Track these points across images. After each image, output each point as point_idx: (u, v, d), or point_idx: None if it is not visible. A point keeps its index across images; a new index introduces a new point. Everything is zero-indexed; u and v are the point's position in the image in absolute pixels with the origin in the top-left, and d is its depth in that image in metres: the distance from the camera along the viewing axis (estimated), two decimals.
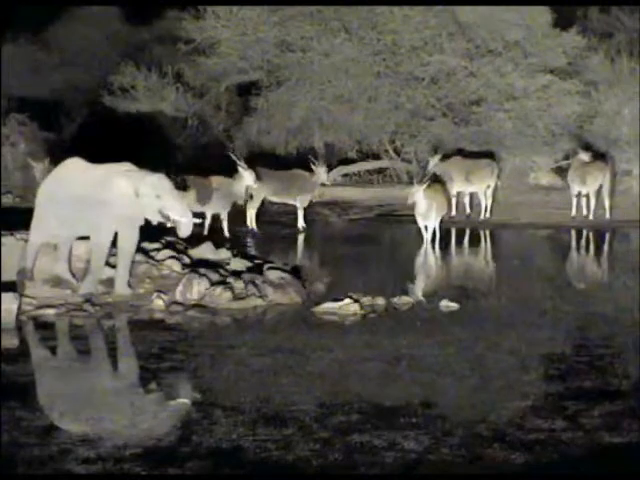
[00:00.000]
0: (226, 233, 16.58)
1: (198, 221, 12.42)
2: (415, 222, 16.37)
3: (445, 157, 19.56)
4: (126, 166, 11.73)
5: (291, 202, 18.23)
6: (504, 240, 18.08)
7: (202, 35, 22.72)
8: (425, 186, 15.98)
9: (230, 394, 8.32)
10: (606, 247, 17.70)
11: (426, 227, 16.23)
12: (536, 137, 21.15)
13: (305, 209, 18.25)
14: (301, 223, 18.06)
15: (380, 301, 11.66)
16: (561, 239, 18.03)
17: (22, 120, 23.04)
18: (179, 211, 11.66)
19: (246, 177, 17.04)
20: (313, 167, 18.26)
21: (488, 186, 19.11)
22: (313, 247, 17.30)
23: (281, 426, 7.36)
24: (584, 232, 18.14)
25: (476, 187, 19.12)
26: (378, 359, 9.36)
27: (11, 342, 10.08)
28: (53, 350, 10.05)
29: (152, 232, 12.47)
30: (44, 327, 10.72)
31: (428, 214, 16.09)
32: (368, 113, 21.89)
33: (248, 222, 17.81)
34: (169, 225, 11.76)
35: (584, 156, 19.34)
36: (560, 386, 8.48)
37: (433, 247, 16.07)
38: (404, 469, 6.60)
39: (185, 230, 11.72)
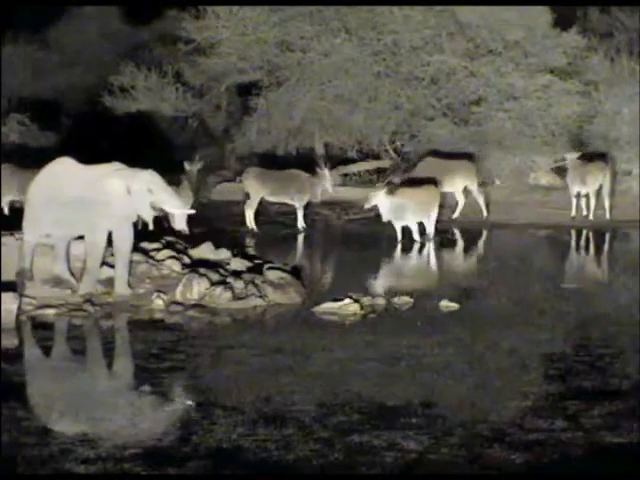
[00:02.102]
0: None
1: (192, 212, 12.45)
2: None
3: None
4: (116, 165, 11.76)
5: (288, 202, 18.21)
6: (504, 240, 18.08)
7: (202, 35, 22.71)
8: (386, 190, 16.15)
9: (230, 394, 8.32)
10: (606, 247, 17.69)
11: (424, 227, 16.37)
12: (536, 137, 21.16)
13: (304, 209, 18.23)
14: (301, 223, 18.04)
15: (380, 301, 11.67)
16: (561, 239, 18.02)
17: (22, 120, 23.04)
18: (172, 203, 11.70)
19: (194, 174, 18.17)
20: (318, 171, 18.28)
21: (465, 187, 18.98)
22: (313, 247, 17.31)
23: (281, 426, 7.36)
24: (584, 232, 18.14)
25: (452, 188, 18.92)
26: (378, 359, 9.36)
27: (11, 342, 10.08)
28: (53, 350, 10.05)
29: (152, 232, 12.48)
30: (44, 327, 10.71)
31: (399, 215, 16.19)
32: (368, 113, 21.89)
33: (247, 222, 17.81)
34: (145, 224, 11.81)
35: (573, 157, 19.26)
36: (560, 386, 8.48)
37: (413, 247, 16.08)
38: (404, 469, 6.61)
39: (180, 222, 11.75)
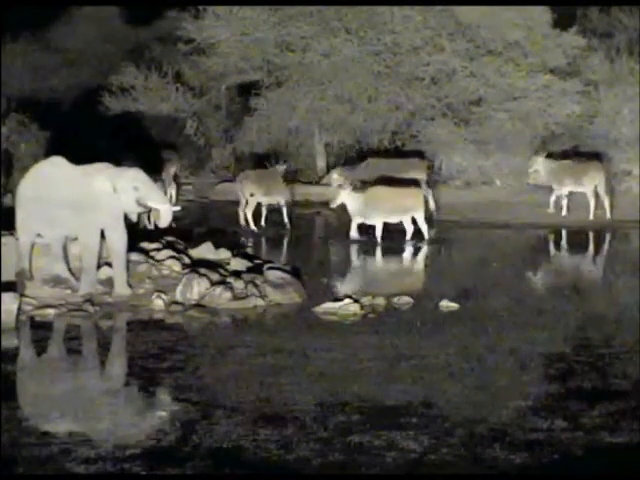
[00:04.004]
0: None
1: (177, 209, 12.51)
2: (413, 222, 16.47)
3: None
4: (104, 165, 11.81)
5: (278, 200, 18.21)
6: (504, 240, 18.07)
7: (202, 35, 22.73)
8: (349, 190, 16.22)
9: (230, 394, 8.32)
10: (606, 247, 17.69)
11: (410, 224, 16.39)
12: (536, 137, 21.18)
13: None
14: (286, 220, 18.14)
15: (380, 301, 11.66)
16: (561, 239, 18.02)
17: (22, 120, 23.04)
18: (157, 199, 11.74)
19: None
20: (276, 167, 18.74)
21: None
22: (313, 247, 17.30)
23: (281, 426, 7.36)
24: (584, 232, 18.14)
25: None
26: (378, 359, 9.36)
27: (11, 342, 10.08)
28: (53, 350, 10.05)
29: (152, 232, 12.48)
30: (44, 327, 10.71)
31: (366, 213, 16.18)
32: (368, 113, 21.91)
33: (241, 221, 17.79)
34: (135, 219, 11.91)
35: (540, 159, 19.23)
36: (560, 386, 8.48)
37: (376, 244, 16.10)
38: (404, 469, 6.61)
39: (165, 218, 11.78)
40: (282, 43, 22.36)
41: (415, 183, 17.34)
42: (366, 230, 16.33)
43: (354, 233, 16.32)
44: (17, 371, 9.20)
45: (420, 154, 20.34)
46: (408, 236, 16.40)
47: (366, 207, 16.16)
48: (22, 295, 11.19)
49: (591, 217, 18.91)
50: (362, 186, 16.92)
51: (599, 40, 23.32)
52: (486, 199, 20.30)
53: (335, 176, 19.13)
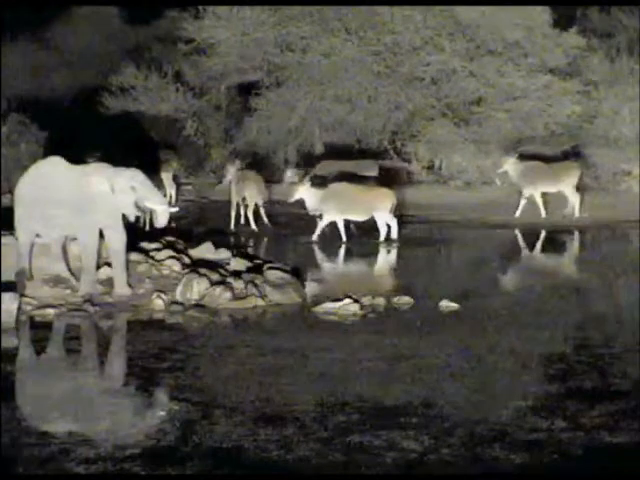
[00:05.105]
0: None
1: (175, 210, 12.54)
2: (413, 222, 16.45)
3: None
4: (102, 165, 11.81)
5: (263, 201, 18.25)
6: (503, 240, 18.07)
7: (202, 35, 22.75)
8: (307, 186, 16.30)
9: (230, 394, 8.32)
10: (606, 247, 17.69)
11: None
12: (536, 137, 21.20)
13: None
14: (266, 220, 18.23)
15: (380, 301, 11.66)
16: (560, 239, 18.03)
17: (22, 120, 23.07)
18: (154, 200, 11.75)
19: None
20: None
21: None
22: (313, 247, 17.29)
23: (281, 426, 7.36)
24: (584, 232, 18.14)
25: None
26: (378, 359, 9.36)
27: (11, 342, 10.08)
28: (53, 350, 10.04)
29: (152, 232, 12.48)
30: (44, 327, 10.70)
31: (324, 209, 16.20)
32: (368, 113, 21.92)
33: (236, 223, 17.82)
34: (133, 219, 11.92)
35: (511, 160, 19.23)
36: (560, 386, 8.48)
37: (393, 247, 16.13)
38: (404, 469, 6.60)
39: (162, 218, 11.79)
40: (282, 43, 22.39)
41: (383, 183, 17.47)
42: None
43: (318, 232, 16.34)
44: (17, 371, 9.20)
45: (375, 155, 20.57)
46: (381, 237, 16.35)
47: (324, 203, 16.15)
48: (22, 295, 11.20)
49: (576, 215, 18.90)
50: (322, 182, 16.98)
51: (599, 40, 23.35)
52: (486, 199, 20.29)
53: (289, 174, 19.30)
